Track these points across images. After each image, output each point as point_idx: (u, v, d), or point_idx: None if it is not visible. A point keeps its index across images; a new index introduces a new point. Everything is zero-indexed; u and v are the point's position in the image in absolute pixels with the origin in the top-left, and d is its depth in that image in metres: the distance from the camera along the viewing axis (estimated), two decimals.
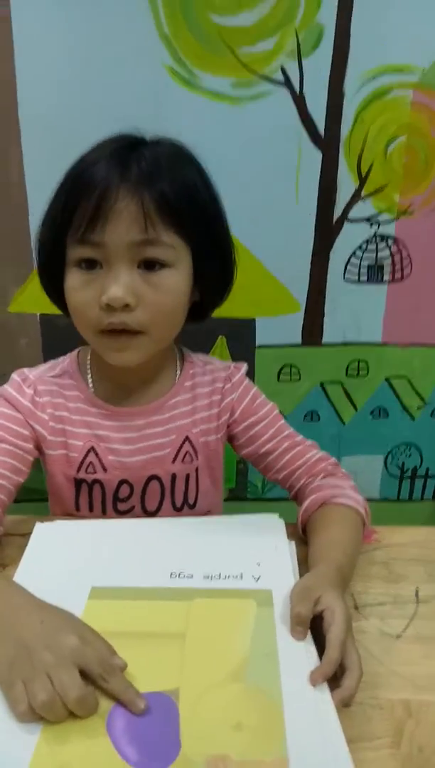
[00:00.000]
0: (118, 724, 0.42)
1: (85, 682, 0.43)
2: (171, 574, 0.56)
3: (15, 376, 0.70)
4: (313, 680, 0.45)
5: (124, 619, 0.51)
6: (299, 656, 0.47)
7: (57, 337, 1.14)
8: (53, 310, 1.12)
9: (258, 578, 0.56)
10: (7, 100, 1.01)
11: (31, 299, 1.13)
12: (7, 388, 0.69)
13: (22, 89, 1.01)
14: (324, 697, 0.45)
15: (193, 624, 0.50)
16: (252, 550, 0.60)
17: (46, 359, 0.75)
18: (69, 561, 0.59)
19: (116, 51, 0.99)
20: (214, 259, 0.64)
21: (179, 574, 0.56)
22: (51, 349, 1.14)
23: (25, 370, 0.71)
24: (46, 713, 0.41)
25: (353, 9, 0.99)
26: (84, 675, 0.43)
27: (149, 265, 0.59)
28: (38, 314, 1.14)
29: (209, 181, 0.64)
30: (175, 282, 0.61)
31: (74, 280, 0.60)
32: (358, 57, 1.02)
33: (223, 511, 0.82)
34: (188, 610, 0.52)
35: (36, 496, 0.79)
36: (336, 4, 0.99)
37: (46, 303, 1.11)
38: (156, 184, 0.58)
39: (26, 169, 1.05)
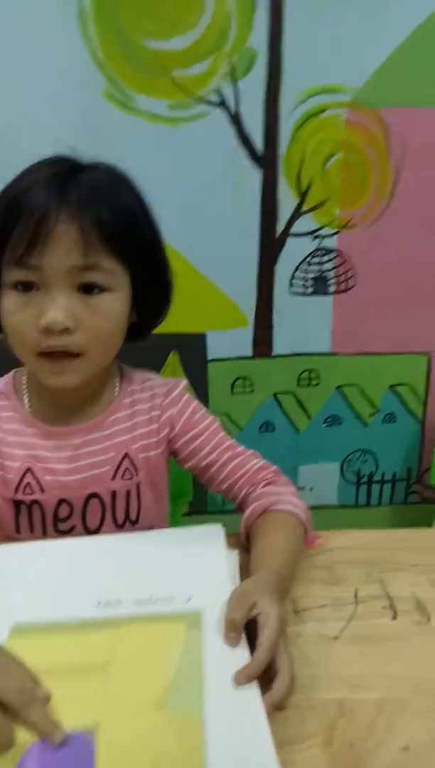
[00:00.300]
0: (30, 766, 0.41)
1: (3, 715, 0.43)
2: (98, 603, 0.55)
3: None
4: (238, 680, 0.45)
5: (46, 656, 0.49)
6: (230, 665, 0.47)
7: (5, 359, 1.13)
8: None
9: (189, 599, 0.55)
10: None
11: None
12: None
13: None
14: (253, 702, 0.45)
15: (118, 655, 0.49)
16: (186, 567, 0.59)
17: None
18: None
19: (53, 77, 1.01)
20: (152, 283, 0.65)
21: (107, 603, 0.55)
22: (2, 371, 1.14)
23: None
24: None
25: (283, 33, 1.03)
26: (4, 708, 0.43)
27: (88, 289, 0.60)
28: None
29: (147, 205, 0.64)
30: (114, 306, 0.62)
31: (11, 302, 0.60)
32: (292, 78, 1.06)
33: (168, 523, 0.82)
34: (114, 640, 0.50)
35: None
36: (266, 28, 1.03)
37: None
38: (95, 209, 0.58)
39: None
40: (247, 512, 0.66)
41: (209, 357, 1.18)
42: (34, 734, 0.43)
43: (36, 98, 1.01)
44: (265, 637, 0.48)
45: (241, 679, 0.46)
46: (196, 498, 1.25)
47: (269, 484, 0.70)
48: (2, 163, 1.04)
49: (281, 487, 0.70)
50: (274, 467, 0.73)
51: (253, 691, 0.46)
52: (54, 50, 0.99)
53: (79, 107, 1.02)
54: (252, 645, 0.50)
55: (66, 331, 0.59)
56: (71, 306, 0.59)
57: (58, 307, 0.58)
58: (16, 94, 1.01)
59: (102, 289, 0.60)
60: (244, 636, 0.50)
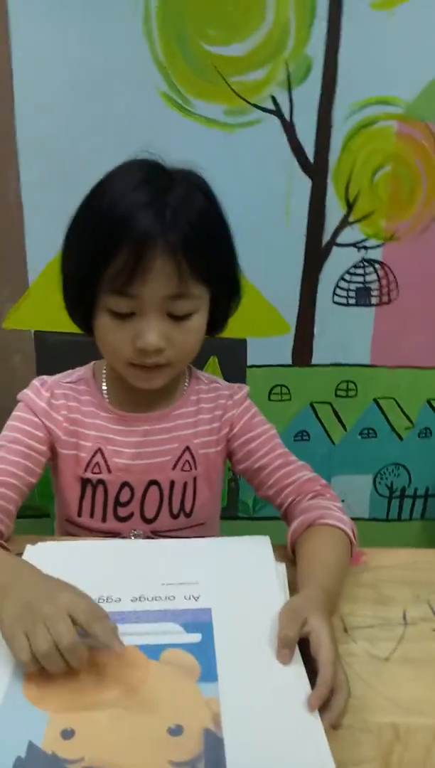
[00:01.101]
0: None
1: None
2: (155, 597, 0.57)
3: (35, 381, 0.75)
4: (311, 705, 0.45)
5: None
6: (289, 687, 0.48)
7: (51, 354, 1.15)
8: (47, 327, 1.15)
9: (245, 599, 0.56)
10: (6, 123, 1.03)
11: (26, 316, 1.14)
12: (27, 392, 0.74)
13: (20, 112, 1.03)
14: (314, 720, 0.45)
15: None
16: (235, 579, 0.60)
17: (39, 374, 0.77)
18: None
19: (113, 77, 1.01)
20: (229, 293, 0.70)
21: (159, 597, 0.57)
22: (45, 366, 1.15)
23: (44, 376, 0.76)
24: (47, 663, 0.46)
25: (340, 42, 1.03)
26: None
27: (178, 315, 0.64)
28: (32, 331, 1.15)
29: (220, 209, 0.67)
30: (199, 323, 0.67)
31: (107, 324, 0.65)
32: (346, 88, 1.05)
33: (219, 522, 0.84)
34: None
35: (31, 513, 0.80)
36: (324, 37, 1.02)
37: (41, 320, 1.14)
38: (186, 235, 0.60)
39: (23, 189, 1.07)
40: (295, 524, 0.67)
41: (249, 363, 1.18)
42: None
43: (95, 96, 1.02)
44: (323, 656, 0.48)
45: (315, 703, 0.46)
46: (227, 503, 1.26)
47: (317, 496, 0.71)
48: (61, 160, 1.08)
49: (329, 501, 0.70)
50: (324, 481, 0.74)
51: (311, 711, 0.46)
52: (116, 49, 1.00)
53: (136, 108, 1.03)
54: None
55: (159, 350, 0.64)
56: (164, 329, 0.63)
57: (154, 332, 0.63)
58: (76, 91, 1.02)
59: (190, 313, 0.65)
60: (298, 653, 0.50)
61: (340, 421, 1.24)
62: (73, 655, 0.47)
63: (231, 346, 1.16)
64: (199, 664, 0.50)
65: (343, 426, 1.24)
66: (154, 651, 0.51)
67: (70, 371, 0.78)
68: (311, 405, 1.22)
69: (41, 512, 1.05)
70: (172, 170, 0.65)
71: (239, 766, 0.41)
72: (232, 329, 1.16)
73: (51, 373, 0.78)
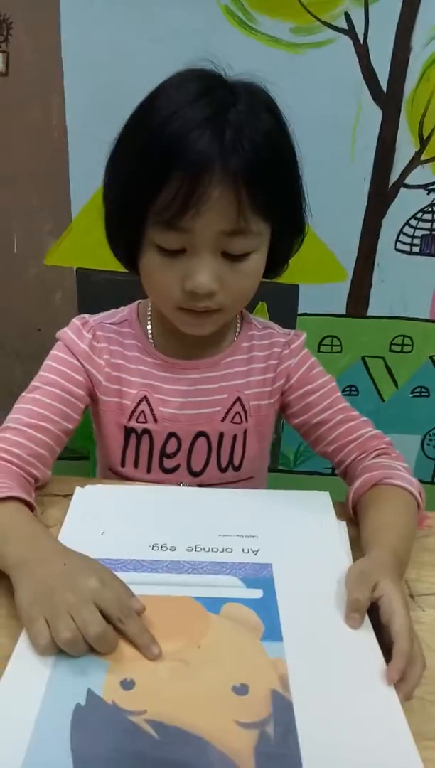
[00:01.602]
0: None
1: (106, 623, 0.44)
2: (212, 548, 0.54)
3: (75, 320, 0.70)
4: (390, 678, 0.42)
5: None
6: (360, 654, 0.45)
7: (92, 292, 1.10)
8: (89, 264, 1.10)
9: (307, 554, 0.53)
10: (51, 43, 0.95)
11: (68, 253, 1.09)
12: (67, 331, 0.69)
13: (67, 30, 0.95)
14: (389, 692, 0.42)
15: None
16: (298, 534, 0.57)
17: (81, 313, 0.72)
18: (109, 528, 0.57)
19: None
20: (291, 228, 0.62)
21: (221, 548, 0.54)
22: (86, 304, 1.11)
23: (86, 315, 0.71)
24: (69, 649, 0.43)
25: None
26: (103, 616, 0.44)
27: (234, 254, 0.57)
28: (74, 268, 1.10)
29: (288, 130, 0.59)
30: (257, 265, 0.60)
31: (154, 261, 0.58)
32: (430, 7, 0.94)
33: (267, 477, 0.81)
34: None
35: (80, 455, 0.77)
36: None
37: (83, 257, 1.09)
38: (248, 159, 0.53)
39: (68, 115, 1.00)
40: (358, 483, 0.62)
41: (300, 311, 1.11)
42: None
43: (147, 9, 0.93)
44: (398, 624, 0.45)
45: (394, 676, 0.42)
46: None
47: (382, 455, 0.66)
48: (118, 79, 0.99)
49: (394, 460, 0.66)
50: (387, 438, 0.69)
51: (382, 682, 0.42)
52: None
53: (194, 23, 0.94)
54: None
55: (210, 293, 0.57)
56: (217, 270, 0.57)
57: (206, 273, 0.56)
58: (126, 4, 0.93)
59: (247, 253, 0.58)
60: (368, 621, 0.47)
61: (392, 377, 1.17)
62: (104, 643, 0.43)
63: (281, 292, 1.09)
64: (262, 621, 0.47)
65: (395, 383, 1.18)
66: (214, 604, 0.48)
67: (113, 311, 0.73)
68: (363, 359, 1.16)
69: (80, 455, 1.03)
70: (235, 82, 0.57)
71: (311, 733, 0.39)
72: (284, 274, 1.11)
73: (92, 313, 0.73)
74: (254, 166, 0.53)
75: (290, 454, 1.22)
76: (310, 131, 0.99)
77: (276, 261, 0.64)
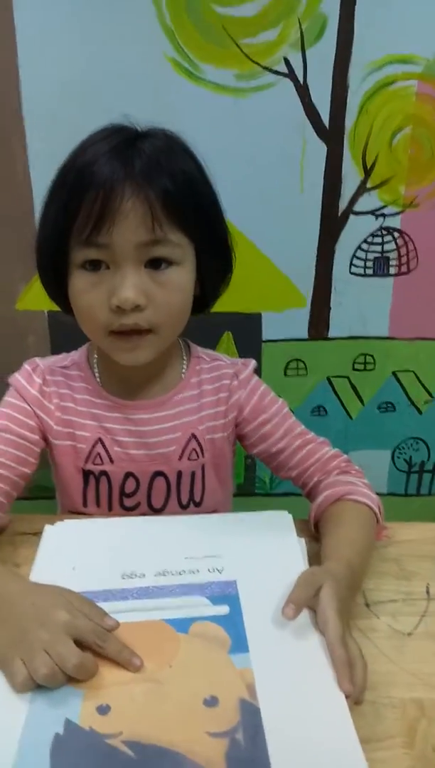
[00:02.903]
0: None
1: (81, 649, 0.46)
2: (180, 572, 0.56)
3: (26, 365, 0.71)
4: (346, 690, 0.44)
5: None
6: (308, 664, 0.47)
7: (65, 334, 1.11)
8: None
9: (267, 572, 0.56)
10: (11, 96, 1.01)
11: (39, 296, 1.10)
12: (17, 376, 0.70)
13: (26, 84, 1.00)
14: (337, 696, 0.44)
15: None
16: (258, 554, 0.59)
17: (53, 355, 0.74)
18: (82, 563, 0.59)
19: (118, 42, 0.98)
20: (215, 252, 0.64)
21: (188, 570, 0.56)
22: (59, 346, 1.12)
23: (36, 359, 0.72)
24: (48, 683, 0.44)
25: None
26: (80, 644, 0.46)
27: (156, 264, 0.59)
28: (46, 311, 1.14)
29: (205, 171, 0.63)
30: (182, 279, 0.61)
31: (80, 283, 0.60)
32: (362, 47, 1.01)
33: (232, 507, 0.82)
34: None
35: (49, 494, 0.79)
36: None
37: None
38: (159, 179, 0.57)
39: (31, 164, 1.04)
40: (320, 499, 0.65)
41: (264, 338, 1.16)
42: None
43: (100, 64, 0.99)
44: (330, 634, 0.47)
45: (349, 687, 0.44)
46: (244, 479, 1.25)
47: (342, 473, 0.69)
48: (67, 132, 1.04)
49: (354, 477, 0.68)
50: (345, 456, 0.71)
51: (333, 683, 0.45)
52: (121, 14, 0.96)
53: (143, 75, 0.99)
54: None
55: (137, 308, 0.59)
56: (141, 283, 0.58)
57: (129, 285, 0.58)
58: (80, 60, 0.98)
59: (169, 263, 0.60)
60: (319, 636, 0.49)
61: (357, 395, 1.21)
62: (84, 671, 0.45)
63: (245, 321, 1.14)
64: (229, 635, 0.49)
65: (361, 400, 1.22)
66: (182, 624, 0.50)
67: (64, 354, 0.73)
68: (328, 379, 1.20)
69: (48, 494, 1.05)
70: (150, 129, 0.62)
71: (277, 737, 0.41)
72: (246, 303, 1.15)
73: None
74: (163, 182, 0.57)
75: (266, 477, 1.25)
76: (260, 168, 1.06)
77: (205, 293, 0.66)
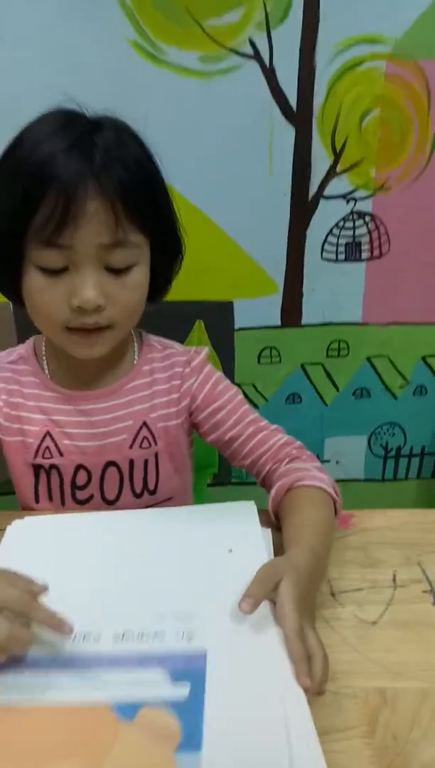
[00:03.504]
0: None
1: (13, 622, 0.45)
2: (146, 567, 0.55)
3: None
4: (304, 684, 0.43)
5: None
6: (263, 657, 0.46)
7: (32, 326, 1.11)
8: None
9: (231, 564, 0.55)
10: None
11: None
12: None
13: None
14: (294, 688, 0.43)
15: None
16: (225, 538, 0.58)
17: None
18: (44, 561, 0.56)
19: (79, 27, 0.95)
20: (168, 245, 0.64)
21: (153, 567, 0.55)
22: (26, 337, 1.11)
23: None
24: None
25: None
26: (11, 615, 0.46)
27: (118, 269, 0.59)
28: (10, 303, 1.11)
29: (154, 158, 0.61)
30: (141, 277, 0.61)
31: (37, 282, 0.58)
32: (329, 28, 0.99)
33: (207, 497, 0.81)
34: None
35: (5, 490, 0.78)
36: None
37: None
38: (121, 178, 0.55)
39: None
40: (273, 491, 0.64)
41: (236, 326, 1.14)
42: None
43: (60, 49, 0.96)
44: (287, 627, 0.46)
45: (306, 681, 0.43)
46: (219, 469, 1.24)
47: (294, 460, 0.68)
48: (27, 117, 1.01)
49: (305, 462, 0.67)
50: (298, 443, 0.70)
51: (289, 676, 0.44)
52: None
53: (104, 59, 0.97)
54: None
55: (98, 308, 0.58)
56: (102, 284, 0.58)
57: (91, 287, 0.57)
58: (39, 45, 0.96)
59: (130, 266, 0.59)
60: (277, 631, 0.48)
61: (332, 382, 1.21)
62: (14, 643, 0.45)
63: (217, 309, 1.12)
64: (181, 726, 0.41)
65: (336, 387, 1.21)
66: (129, 710, 0.42)
67: (10, 349, 0.72)
68: (302, 366, 1.19)
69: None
70: (96, 116, 0.60)
71: (231, 739, 0.40)
72: (217, 291, 1.14)
73: None
74: (125, 181, 0.56)
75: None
76: (228, 151, 1.04)
77: (158, 281, 0.65)
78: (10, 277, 0.60)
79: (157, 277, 0.64)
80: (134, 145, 0.59)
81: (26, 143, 0.57)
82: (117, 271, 0.58)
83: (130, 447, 0.70)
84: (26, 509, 0.72)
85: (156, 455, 0.71)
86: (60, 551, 0.59)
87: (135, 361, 0.71)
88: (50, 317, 0.60)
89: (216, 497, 0.85)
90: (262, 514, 0.64)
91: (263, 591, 0.48)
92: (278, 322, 1.15)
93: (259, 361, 1.18)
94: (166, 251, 0.64)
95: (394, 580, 0.58)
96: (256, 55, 1.00)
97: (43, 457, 0.69)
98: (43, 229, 0.55)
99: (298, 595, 0.48)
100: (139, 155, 0.59)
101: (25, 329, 1.11)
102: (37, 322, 0.63)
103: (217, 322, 1.13)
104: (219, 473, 1.25)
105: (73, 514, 0.67)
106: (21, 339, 1.11)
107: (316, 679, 0.44)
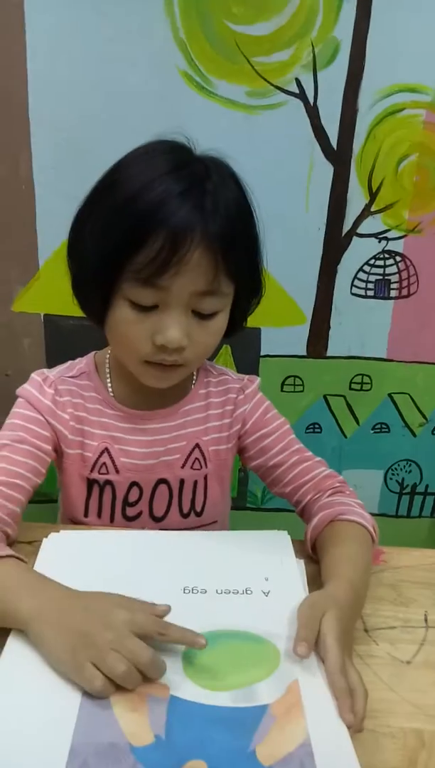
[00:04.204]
0: None
1: (149, 647, 0.46)
2: (184, 588, 0.56)
3: (35, 376, 0.71)
4: (348, 720, 0.44)
5: None
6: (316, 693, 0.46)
7: (60, 338, 1.13)
8: (57, 310, 1.13)
9: (268, 592, 0.55)
10: (19, 101, 1.00)
11: (36, 299, 1.12)
12: (28, 387, 0.70)
13: (34, 90, 1.00)
14: (339, 726, 0.44)
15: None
16: (261, 567, 0.59)
17: (48, 360, 0.74)
18: (81, 575, 0.57)
19: (131, 54, 0.98)
20: (253, 290, 0.66)
21: (192, 589, 0.55)
22: (54, 350, 1.13)
23: (45, 370, 0.72)
24: (126, 682, 0.44)
25: (370, 25, 0.99)
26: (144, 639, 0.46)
27: (205, 315, 0.61)
28: (42, 314, 1.13)
29: (252, 204, 0.64)
30: (223, 323, 0.64)
31: (126, 315, 0.60)
32: (373, 73, 1.02)
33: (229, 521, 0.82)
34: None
35: (42, 498, 0.78)
36: (353, 19, 0.99)
37: (50, 303, 1.12)
38: (224, 229, 0.57)
39: (35, 171, 1.04)
40: (315, 521, 0.65)
41: (262, 353, 1.16)
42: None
43: (112, 75, 0.99)
44: (330, 663, 0.47)
45: (349, 717, 0.44)
46: (237, 494, 1.24)
47: (336, 493, 0.69)
48: (75, 141, 1.04)
49: (348, 497, 0.68)
50: (341, 477, 0.72)
51: (334, 713, 0.44)
52: (135, 26, 0.96)
53: (155, 87, 1.00)
54: None
55: (180, 348, 0.60)
56: (188, 326, 0.60)
57: (178, 328, 0.59)
58: (92, 70, 0.98)
59: (216, 312, 0.61)
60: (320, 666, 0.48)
61: (353, 414, 1.22)
62: (155, 668, 0.45)
63: (244, 335, 1.10)
64: None
65: (356, 420, 1.22)
66: None
67: (69, 363, 0.74)
68: (324, 397, 1.20)
69: (48, 498, 1.04)
70: (203, 156, 0.61)
71: None
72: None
73: (61, 358, 0.75)
74: (229, 231, 0.57)
75: (258, 492, 1.24)
76: (267, 185, 1.05)
77: (236, 319, 0.67)
78: (100, 305, 0.62)
79: (235, 314, 0.66)
80: (236, 191, 0.61)
81: (135, 178, 0.57)
82: (202, 316, 0.60)
83: (182, 467, 0.72)
84: (71, 521, 0.73)
85: (205, 477, 0.73)
86: (91, 568, 0.59)
87: (193, 385, 0.73)
88: (133, 349, 0.62)
89: (232, 521, 0.86)
90: (297, 544, 0.64)
91: (313, 632, 0.49)
92: (304, 352, 1.17)
93: (282, 389, 1.19)
94: (250, 295, 0.66)
95: (425, 620, 0.58)
96: (301, 94, 1.03)
97: (99, 473, 0.70)
98: (145, 269, 0.56)
99: (340, 630, 0.48)
100: (241, 203, 0.61)
101: (54, 340, 1.13)
102: (117, 350, 0.66)
103: (243, 347, 1.14)
104: (236, 498, 1.25)
105: (107, 531, 0.67)
106: (49, 349, 1.13)
107: (358, 715, 0.44)
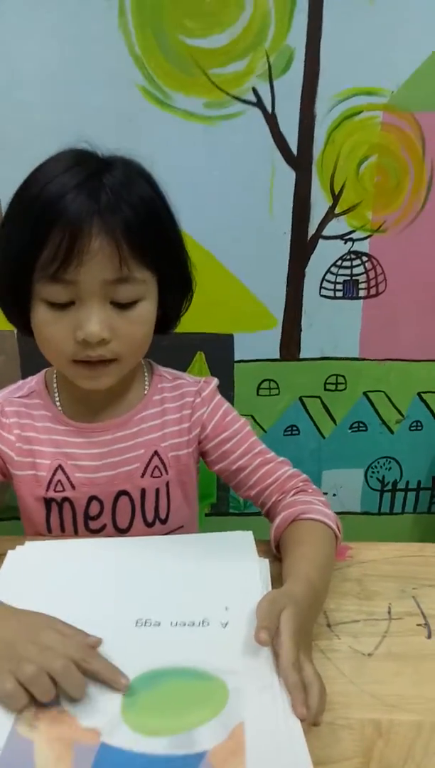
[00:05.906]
0: None
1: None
2: (137, 621, 0.53)
3: None
4: (300, 714, 0.44)
5: None
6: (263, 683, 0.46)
7: (36, 354, 1.12)
8: None
9: (226, 624, 0.54)
10: None
11: None
12: None
13: None
14: (290, 719, 0.44)
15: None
16: (218, 577, 0.58)
17: (24, 376, 0.74)
18: (40, 590, 0.57)
19: (89, 71, 1.00)
20: (177, 280, 0.66)
21: (146, 622, 0.53)
22: (29, 367, 1.14)
23: None
24: (33, 685, 0.44)
25: (322, 33, 1.01)
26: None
27: (122, 304, 0.60)
28: (15, 331, 1.13)
29: (164, 196, 0.63)
30: (147, 312, 0.63)
31: (44, 315, 0.60)
32: (328, 79, 1.04)
33: (205, 527, 0.82)
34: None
35: (8, 515, 0.78)
36: (305, 27, 1.01)
37: None
38: (125, 216, 0.57)
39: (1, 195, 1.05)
40: (277, 521, 0.66)
41: (236, 358, 1.17)
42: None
43: (70, 91, 1.00)
44: (283, 658, 0.47)
45: (304, 712, 0.44)
46: (217, 499, 1.25)
47: (299, 492, 0.69)
48: (35, 159, 1.05)
49: (310, 496, 0.69)
50: (304, 476, 0.72)
51: (287, 706, 0.45)
52: (92, 42, 0.98)
53: (114, 102, 1.01)
54: None
55: (102, 341, 0.60)
56: (107, 318, 0.59)
57: (96, 321, 0.58)
58: (50, 87, 1.00)
59: (135, 301, 0.61)
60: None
61: (329, 415, 1.23)
62: (70, 679, 0.44)
63: (217, 342, 1.15)
64: None
65: (333, 420, 1.23)
66: None
67: (21, 383, 0.73)
68: (300, 399, 1.21)
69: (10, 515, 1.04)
70: (109, 157, 0.62)
71: None
72: (219, 324, 1.17)
73: (36, 373, 0.75)
74: (130, 220, 0.57)
75: (240, 497, 1.25)
76: (230, 195, 1.09)
77: (167, 315, 0.66)
78: (18, 310, 0.62)
79: (168, 311, 0.66)
80: (143, 184, 0.61)
81: (38, 181, 0.59)
82: (122, 306, 0.60)
83: (142, 476, 0.71)
84: (38, 537, 0.72)
85: (167, 484, 0.72)
86: (58, 578, 0.59)
87: (145, 392, 0.72)
88: (57, 350, 0.61)
89: (214, 527, 0.86)
90: (261, 544, 0.65)
91: (274, 622, 0.49)
92: (277, 356, 1.18)
93: (258, 393, 1.20)
94: (176, 287, 0.65)
95: (389, 612, 0.59)
96: (259, 103, 1.05)
97: (55, 491, 0.69)
98: (50, 264, 0.56)
99: (296, 627, 0.49)
100: (148, 195, 0.61)
101: (29, 357, 1.14)
102: (45, 354, 0.64)
103: (217, 353, 1.16)
104: (216, 503, 1.25)
105: (70, 540, 0.67)
106: (24, 366, 1.14)
107: (312, 709, 0.45)
